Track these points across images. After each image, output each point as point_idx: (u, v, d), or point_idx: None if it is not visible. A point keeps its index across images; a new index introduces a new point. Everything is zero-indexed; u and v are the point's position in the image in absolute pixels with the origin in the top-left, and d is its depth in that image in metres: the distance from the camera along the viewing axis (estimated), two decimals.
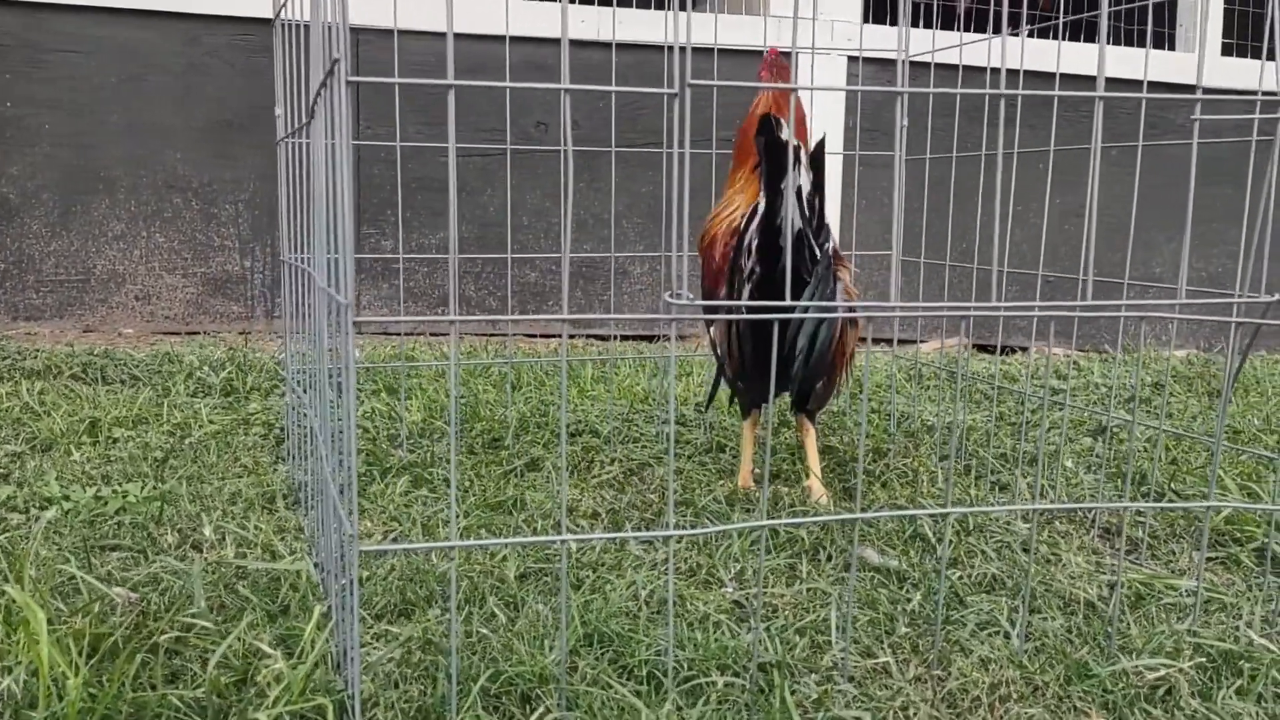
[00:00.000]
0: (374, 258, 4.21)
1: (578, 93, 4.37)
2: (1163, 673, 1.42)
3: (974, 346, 4.57)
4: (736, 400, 2.32)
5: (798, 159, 1.90)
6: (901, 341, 4.21)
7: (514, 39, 3.61)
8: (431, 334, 4.22)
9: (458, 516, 2.01)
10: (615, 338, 4.20)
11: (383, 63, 3.98)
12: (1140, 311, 1.51)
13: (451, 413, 1.11)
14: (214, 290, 4.17)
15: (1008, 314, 1.47)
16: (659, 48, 4.05)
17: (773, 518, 2.04)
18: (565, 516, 1.20)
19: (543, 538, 1.39)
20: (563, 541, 1.28)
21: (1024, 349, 4.58)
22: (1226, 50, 5.14)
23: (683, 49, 1.25)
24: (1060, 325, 4.70)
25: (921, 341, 4.45)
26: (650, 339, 4.38)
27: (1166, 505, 1.52)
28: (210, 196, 4.13)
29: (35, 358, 3.16)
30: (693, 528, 1.95)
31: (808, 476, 2.22)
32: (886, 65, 4.54)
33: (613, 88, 1.23)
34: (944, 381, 3.13)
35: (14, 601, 1.39)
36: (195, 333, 4.07)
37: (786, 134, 1.91)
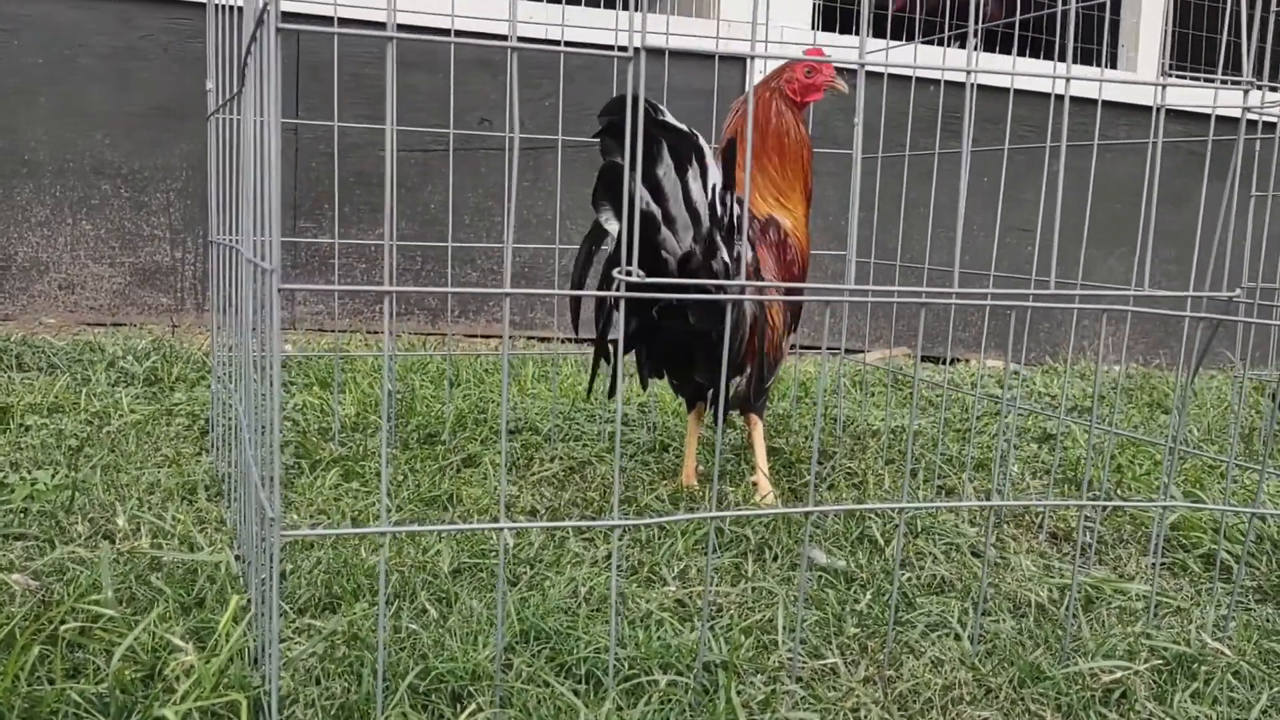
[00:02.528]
0: (306, 242, 4.10)
1: (524, 93, 4.25)
2: (1118, 675, 1.38)
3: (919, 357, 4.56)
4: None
5: (694, 151, 1.76)
6: (848, 351, 4.18)
7: (462, 33, 3.54)
8: (368, 331, 4.11)
9: (389, 499, 1.92)
10: (558, 339, 4.13)
11: (323, 53, 3.87)
12: (1097, 304, 1.47)
13: (385, 390, 1.03)
14: (142, 281, 4.02)
15: (960, 303, 1.42)
16: (609, 47, 4.00)
17: (723, 519, 1.97)
18: (504, 504, 1.13)
19: (480, 524, 1.31)
20: (500, 529, 1.21)
21: (966, 360, 4.58)
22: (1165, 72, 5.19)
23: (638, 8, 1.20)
24: (999, 336, 4.71)
25: (867, 351, 4.43)
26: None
27: (1120, 503, 1.49)
28: (140, 184, 3.98)
29: None
30: (631, 535, 1.88)
31: (754, 472, 2.17)
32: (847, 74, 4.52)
33: (563, 49, 1.16)
34: (889, 388, 3.10)
35: None
36: (121, 324, 3.92)
37: (669, 119, 1.76)
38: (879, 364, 3.63)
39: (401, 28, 3.61)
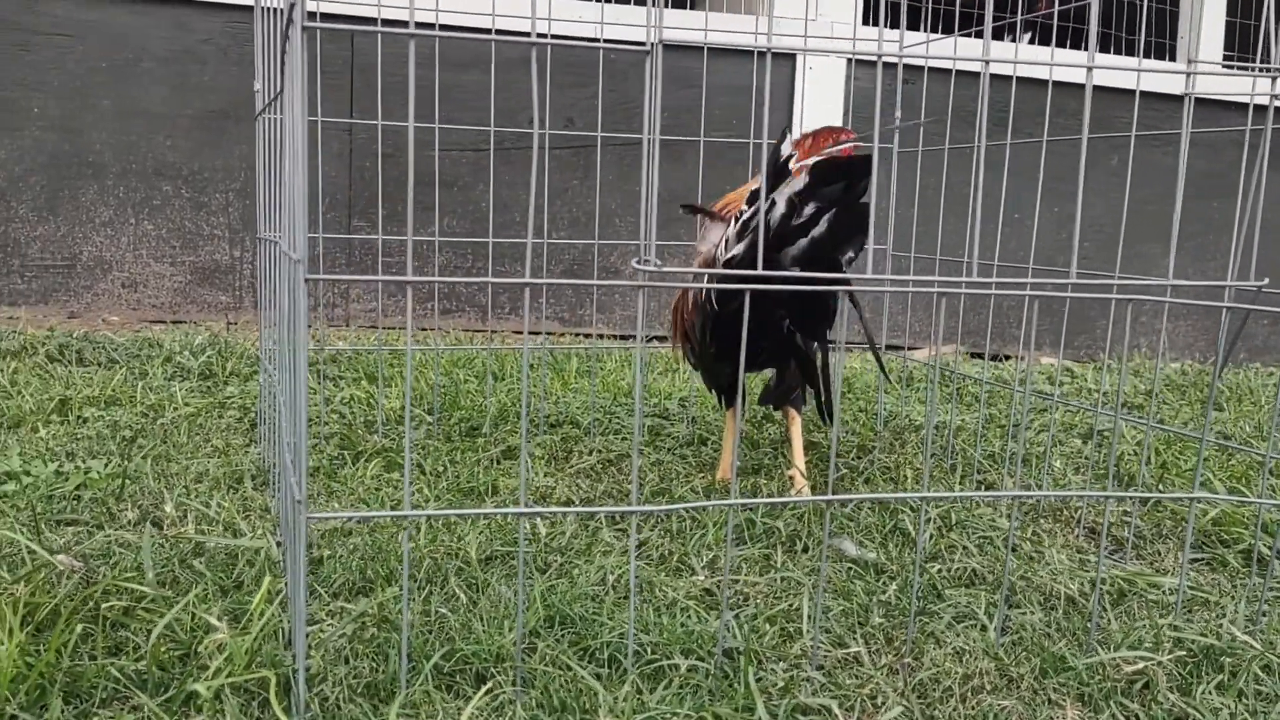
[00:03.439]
0: (353, 238, 4.17)
1: (572, 90, 4.29)
2: (1141, 666, 1.37)
3: (968, 354, 4.53)
4: (717, 392, 2.30)
5: (786, 170, 1.84)
6: (892, 347, 4.16)
7: (510, 34, 3.59)
8: (420, 328, 4.18)
9: (428, 489, 1.96)
10: (597, 335, 4.16)
11: (374, 55, 3.94)
12: (1130, 294, 1.47)
13: (406, 370, 1.07)
14: (202, 279, 4.13)
15: (999, 293, 1.42)
16: (672, 47, 4.02)
17: (746, 507, 1.99)
18: (524, 488, 1.16)
19: (502, 509, 1.34)
20: (520, 515, 1.24)
21: (1020, 357, 4.54)
22: (1226, 63, 5.10)
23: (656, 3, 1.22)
24: (1054, 333, 4.65)
25: (913, 349, 4.41)
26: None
27: (1145, 494, 1.48)
28: (200, 185, 4.09)
29: (13, 339, 3.12)
30: (663, 526, 1.90)
31: (790, 467, 2.18)
32: (886, 68, 4.50)
33: (588, 40, 1.19)
34: (934, 384, 3.09)
35: None
36: (181, 322, 4.03)
37: (787, 147, 1.88)
38: (926, 361, 3.62)
39: (445, 28, 3.66)
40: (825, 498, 1.33)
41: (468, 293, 4.32)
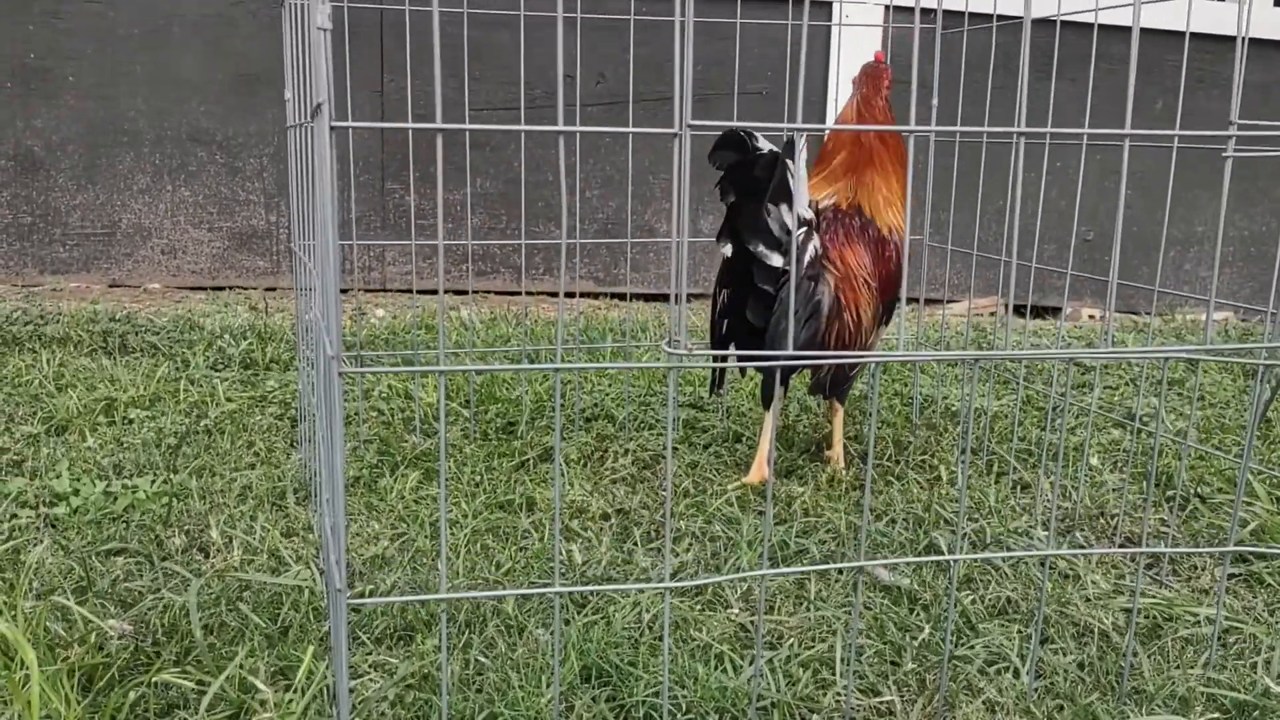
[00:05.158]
0: (382, 243, 4.17)
1: (605, 45, 4.21)
2: None
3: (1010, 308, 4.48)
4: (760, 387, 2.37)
5: (779, 169, 1.92)
6: (930, 301, 4.13)
7: None
8: (455, 291, 4.19)
9: (466, 504, 2.00)
10: (629, 296, 4.16)
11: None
12: (1168, 350, 1.44)
13: (440, 436, 1.07)
14: (240, 245, 4.15)
15: (1031, 355, 1.40)
16: None
17: (784, 522, 2.00)
18: (558, 566, 1.18)
19: (535, 590, 1.36)
20: (556, 594, 1.25)
21: (1057, 310, 4.48)
22: None
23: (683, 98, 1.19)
24: (1096, 286, 4.59)
25: (951, 301, 4.36)
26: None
27: (1186, 550, 1.48)
28: (235, 150, 4.09)
29: (57, 322, 3.17)
30: (698, 550, 1.93)
31: (829, 448, 2.35)
32: (925, 15, 4.38)
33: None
34: (970, 360, 3.07)
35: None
36: (221, 288, 4.07)
37: (764, 145, 1.94)
38: (963, 318, 3.59)
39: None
40: (856, 564, 1.34)
41: (502, 254, 4.31)
